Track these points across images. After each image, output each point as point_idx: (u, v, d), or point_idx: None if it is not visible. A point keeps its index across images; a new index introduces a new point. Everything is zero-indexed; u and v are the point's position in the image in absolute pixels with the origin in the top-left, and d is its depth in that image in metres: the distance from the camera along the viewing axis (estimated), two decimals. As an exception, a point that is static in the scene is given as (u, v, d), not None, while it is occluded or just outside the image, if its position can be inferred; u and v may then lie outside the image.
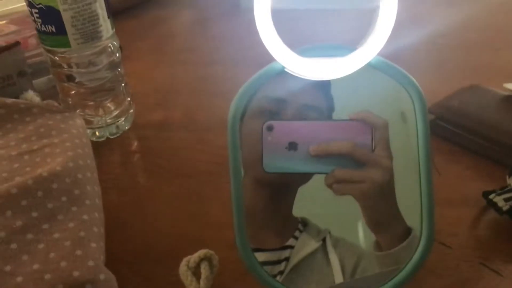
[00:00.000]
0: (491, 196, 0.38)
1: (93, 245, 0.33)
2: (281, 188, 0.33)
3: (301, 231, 0.33)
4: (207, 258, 0.35)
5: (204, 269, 0.34)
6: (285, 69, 0.32)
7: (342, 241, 0.33)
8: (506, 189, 0.39)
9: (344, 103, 0.33)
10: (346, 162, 0.32)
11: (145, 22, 0.85)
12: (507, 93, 0.50)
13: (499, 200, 0.38)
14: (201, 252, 0.35)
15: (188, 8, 0.90)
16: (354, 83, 0.32)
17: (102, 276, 0.32)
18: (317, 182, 0.33)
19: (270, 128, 0.33)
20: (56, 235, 0.34)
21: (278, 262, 0.33)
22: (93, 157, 0.43)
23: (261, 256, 0.33)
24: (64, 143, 0.41)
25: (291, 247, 0.33)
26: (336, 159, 0.33)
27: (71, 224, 0.34)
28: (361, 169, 0.32)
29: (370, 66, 0.32)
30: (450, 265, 0.37)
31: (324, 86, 0.33)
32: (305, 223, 0.33)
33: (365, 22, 0.32)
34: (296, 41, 0.33)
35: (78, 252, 0.32)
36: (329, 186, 0.32)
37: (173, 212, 0.44)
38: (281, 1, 0.31)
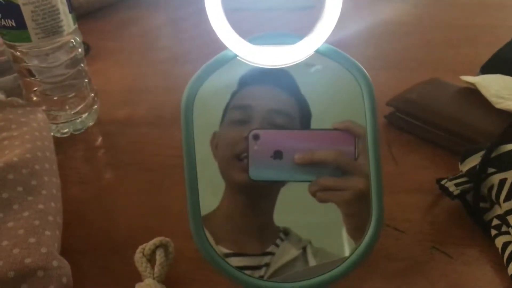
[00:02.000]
0: (443, 182, 0.39)
1: (48, 233, 0.34)
2: (261, 194, 0.34)
3: (282, 240, 0.33)
4: (162, 245, 0.35)
5: (159, 255, 0.34)
6: (237, 57, 0.33)
7: (323, 251, 0.33)
8: (458, 175, 0.40)
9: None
10: (330, 171, 0.33)
11: (116, 22, 0.85)
12: (464, 85, 0.51)
13: (450, 185, 0.39)
14: (157, 240, 0.35)
15: (159, 9, 0.91)
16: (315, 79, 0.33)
17: (55, 263, 0.32)
18: (300, 190, 0.33)
19: (256, 137, 0.33)
20: (10, 224, 0.34)
21: (258, 267, 0.33)
22: (54, 150, 0.43)
23: (241, 261, 0.33)
24: (23, 136, 0.41)
25: (272, 253, 0.33)
26: (320, 167, 0.33)
27: (26, 213, 0.34)
28: (344, 177, 0.33)
29: (318, 53, 0.33)
30: (403, 249, 0.37)
31: (290, 89, 0.33)
32: (286, 232, 0.34)
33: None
34: (247, 32, 0.33)
35: (32, 240, 0.32)
36: (313, 194, 0.33)
37: (134, 205, 0.44)
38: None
